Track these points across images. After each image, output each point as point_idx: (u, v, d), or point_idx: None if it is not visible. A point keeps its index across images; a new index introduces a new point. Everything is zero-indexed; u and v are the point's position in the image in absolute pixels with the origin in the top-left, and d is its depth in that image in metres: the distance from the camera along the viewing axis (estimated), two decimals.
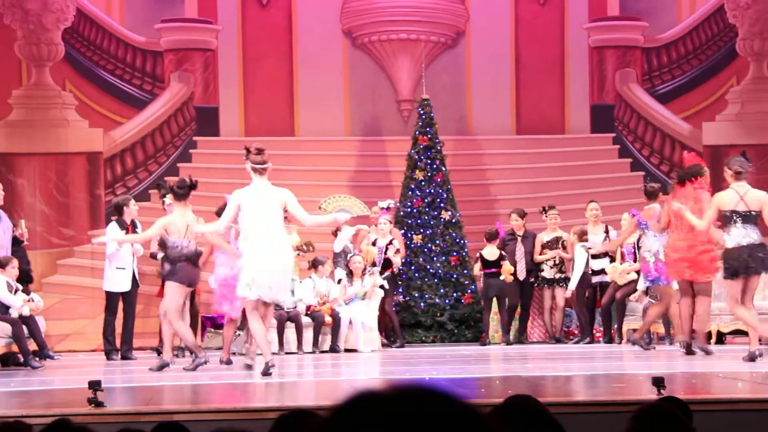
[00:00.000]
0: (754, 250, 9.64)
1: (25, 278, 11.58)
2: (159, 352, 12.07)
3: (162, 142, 15.45)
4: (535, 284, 14.13)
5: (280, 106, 15.58)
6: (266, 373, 8.69)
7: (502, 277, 13.59)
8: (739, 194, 9.75)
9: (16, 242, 11.71)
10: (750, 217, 9.73)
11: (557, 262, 13.96)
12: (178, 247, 9.88)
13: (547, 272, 13.99)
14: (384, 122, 15.68)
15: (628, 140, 16.01)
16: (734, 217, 9.71)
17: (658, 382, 6.12)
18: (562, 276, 13.95)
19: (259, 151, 9.18)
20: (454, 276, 14.14)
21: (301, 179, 15.18)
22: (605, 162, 15.83)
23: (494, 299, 13.72)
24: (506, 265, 13.61)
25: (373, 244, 13.61)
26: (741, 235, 9.67)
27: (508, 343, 13.62)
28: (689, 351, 10.36)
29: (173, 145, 15.46)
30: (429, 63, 15.48)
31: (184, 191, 9.97)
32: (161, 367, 9.94)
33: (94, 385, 6.09)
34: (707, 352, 10.33)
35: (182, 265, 9.90)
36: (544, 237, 14.03)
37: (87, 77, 15.35)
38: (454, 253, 14.23)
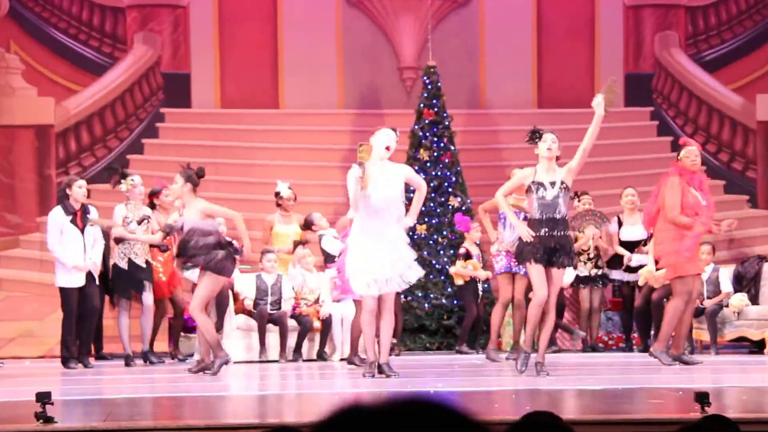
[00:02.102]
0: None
1: None
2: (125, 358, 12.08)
3: (124, 114, 15.43)
4: (571, 284, 13.73)
5: (262, 73, 15.56)
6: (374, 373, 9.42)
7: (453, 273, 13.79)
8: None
9: None
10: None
11: (592, 256, 13.78)
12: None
13: (582, 269, 13.70)
14: (383, 93, 15.66)
15: (668, 115, 16.00)
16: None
17: (702, 398, 6.12)
18: (599, 272, 13.80)
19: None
20: None
21: (285, 158, 15.18)
22: (642, 141, 15.82)
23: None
24: (458, 267, 13.61)
25: None
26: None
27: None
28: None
29: (137, 117, 15.44)
30: (436, 24, 15.47)
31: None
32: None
33: (43, 398, 6.09)
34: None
35: None
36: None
37: (36, 37, 15.32)
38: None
